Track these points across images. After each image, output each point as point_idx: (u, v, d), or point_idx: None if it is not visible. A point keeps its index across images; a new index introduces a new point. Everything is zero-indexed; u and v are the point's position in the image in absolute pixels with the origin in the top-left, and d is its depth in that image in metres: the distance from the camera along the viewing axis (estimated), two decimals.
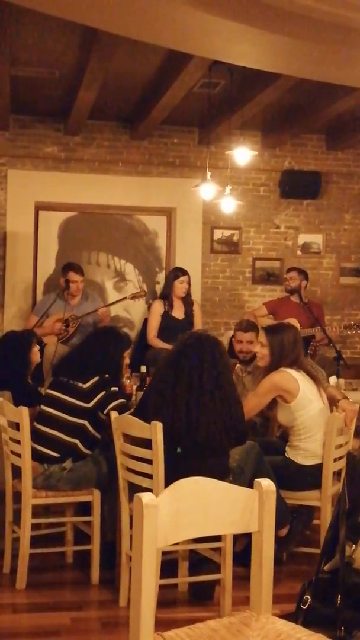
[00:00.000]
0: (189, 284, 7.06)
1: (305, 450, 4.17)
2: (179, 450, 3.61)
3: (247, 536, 2.23)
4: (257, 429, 4.74)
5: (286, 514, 4.06)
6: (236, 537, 3.73)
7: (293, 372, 4.19)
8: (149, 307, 7.47)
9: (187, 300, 7.07)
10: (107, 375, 4.09)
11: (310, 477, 4.13)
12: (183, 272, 7.06)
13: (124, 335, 4.51)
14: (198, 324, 6.99)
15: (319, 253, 8.52)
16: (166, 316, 7.00)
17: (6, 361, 4.68)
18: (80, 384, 4.05)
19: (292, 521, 4.14)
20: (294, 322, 6.63)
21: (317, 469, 4.12)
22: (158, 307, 7.06)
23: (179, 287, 6.99)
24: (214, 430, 3.62)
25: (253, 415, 4.31)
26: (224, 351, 3.88)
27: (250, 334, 5.34)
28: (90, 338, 4.44)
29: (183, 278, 7.00)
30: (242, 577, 3.47)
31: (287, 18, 4.08)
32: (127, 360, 4.50)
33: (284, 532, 4.09)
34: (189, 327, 6.70)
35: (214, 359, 3.71)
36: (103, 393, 4.04)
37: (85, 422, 4.06)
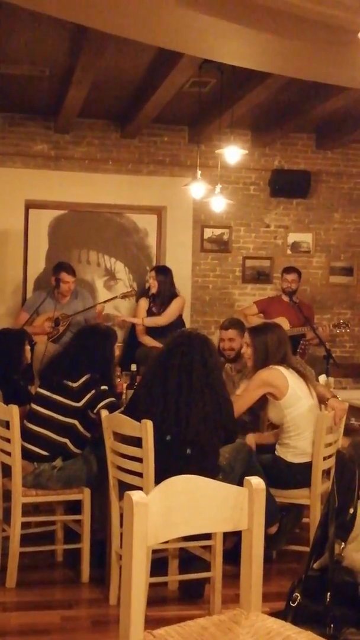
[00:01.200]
0: (158, 280, 6.96)
1: (295, 447, 4.19)
2: (168, 438, 3.61)
3: (236, 534, 2.24)
4: (247, 426, 4.76)
5: (275, 512, 4.07)
6: (225, 535, 3.73)
7: (282, 369, 4.21)
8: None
9: (171, 298, 6.99)
10: (96, 374, 4.09)
11: (300, 475, 4.15)
12: (153, 268, 7.16)
13: (108, 330, 4.50)
14: (165, 315, 6.91)
15: (309, 252, 8.54)
16: (151, 313, 7.00)
17: None
18: (70, 383, 4.05)
19: (281, 519, 4.16)
20: (283, 320, 6.66)
21: (307, 467, 4.14)
22: (143, 305, 7.09)
23: (148, 283, 7.05)
24: (204, 429, 3.63)
25: (243, 412, 4.32)
26: (214, 350, 3.89)
27: (232, 332, 5.37)
28: (77, 337, 4.43)
29: (150, 274, 7.04)
30: (232, 575, 3.48)
31: (278, 17, 4.09)
32: (117, 352, 4.51)
33: (273, 530, 4.10)
34: (176, 324, 6.70)
35: (203, 357, 3.71)
36: (93, 392, 4.04)
37: (76, 422, 4.05)
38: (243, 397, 4.28)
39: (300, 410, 4.16)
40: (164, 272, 7.00)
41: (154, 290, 6.94)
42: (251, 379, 4.32)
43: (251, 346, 4.33)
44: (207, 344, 3.81)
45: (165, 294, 6.94)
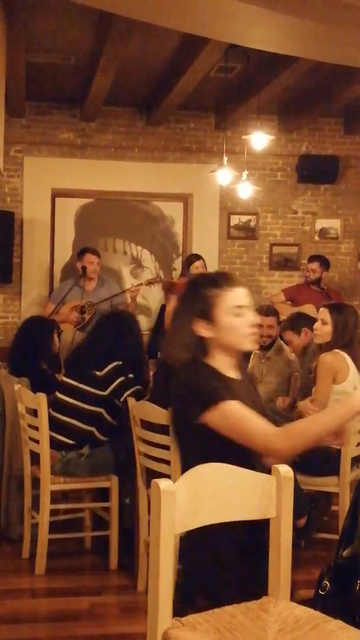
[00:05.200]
0: (205, 269, 6.99)
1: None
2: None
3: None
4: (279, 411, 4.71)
5: (304, 505, 4.03)
6: None
7: (345, 355, 4.16)
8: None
9: None
10: (122, 362, 4.07)
11: (331, 462, 4.11)
12: (197, 257, 7.05)
13: (127, 315, 4.46)
14: None
15: (337, 238, 8.46)
16: None
17: (27, 347, 4.68)
18: (95, 372, 4.05)
19: (310, 511, 4.12)
20: (310, 307, 6.61)
21: (337, 454, 4.10)
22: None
23: (194, 272, 6.96)
24: None
25: (323, 404, 4.22)
26: None
27: (271, 319, 5.30)
28: (98, 325, 4.41)
29: (197, 263, 6.97)
30: None
31: (304, 0, 4.04)
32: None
33: (302, 522, 4.06)
34: None
35: None
36: (119, 380, 4.04)
37: (102, 410, 4.06)
38: (318, 390, 4.20)
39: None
40: (204, 260, 7.00)
41: None
42: (316, 368, 4.22)
43: (331, 324, 4.22)
44: None
45: None
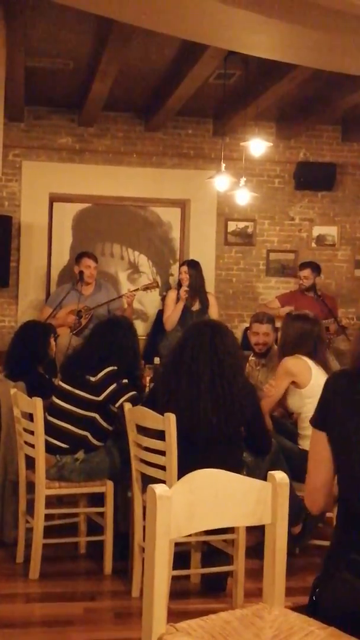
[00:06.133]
0: (189, 274, 6.93)
1: None
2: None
3: (260, 531, 2.23)
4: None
5: (300, 512, 4.03)
6: (249, 531, 3.72)
7: (307, 360, 4.22)
8: (163, 297, 7.47)
9: (201, 291, 7.00)
10: (116, 367, 4.08)
11: None
12: (183, 263, 7.07)
13: (123, 320, 4.48)
14: (214, 315, 6.95)
15: (334, 245, 8.48)
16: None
17: (23, 351, 4.68)
18: (90, 377, 4.05)
19: (305, 519, 4.12)
20: None
21: None
22: (172, 296, 7.05)
23: (180, 277, 6.99)
24: (216, 421, 3.57)
25: (275, 403, 4.30)
26: (228, 338, 3.74)
27: (267, 326, 5.32)
28: (93, 330, 4.42)
29: (182, 268, 6.97)
30: (255, 569, 3.47)
31: (303, 8, 4.05)
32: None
33: (297, 530, 4.07)
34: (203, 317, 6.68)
35: (212, 346, 3.63)
36: (113, 386, 4.04)
37: (96, 415, 4.06)
38: (273, 388, 4.27)
39: None
40: (194, 266, 6.98)
41: (186, 283, 6.92)
42: (277, 368, 4.32)
43: (282, 330, 4.34)
44: (220, 332, 3.70)
45: (196, 288, 6.95)
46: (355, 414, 2.10)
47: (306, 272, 7.16)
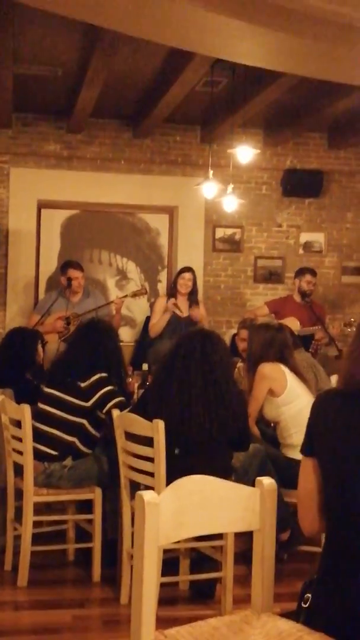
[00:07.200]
0: (192, 282, 6.99)
1: (299, 445, 4.16)
2: (176, 451, 3.59)
3: (248, 537, 2.23)
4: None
5: (288, 518, 4.04)
6: (237, 537, 3.72)
7: (281, 366, 4.27)
8: (152, 304, 7.47)
9: (193, 299, 7.02)
10: (105, 373, 4.08)
11: None
12: (186, 269, 7.06)
13: (105, 325, 4.47)
14: (204, 322, 6.96)
15: (321, 252, 8.52)
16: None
17: (10, 358, 4.68)
18: (78, 383, 4.05)
19: (293, 525, 4.13)
20: (294, 321, 6.64)
21: None
22: (161, 303, 7.05)
23: (180, 283, 6.97)
24: (209, 427, 3.57)
25: (256, 411, 4.31)
26: (219, 346, 3.78)
27: None
28: (77, 336, 4.43)
29: (184, 274, 6.98)
30: (244, 576, 3.48)
31: (290, 16, 4.07)
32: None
33: (285, 536, 4.08)
34: (192, 324, 6.69)
35: (204, 354, 3.65)
36: (102, 392, 4.04)
37: (84, 421, 4.06)
38: (253, 396, 4.28)
39: (299, 407, 4.15)
40: (194, 273, 7.02)
41: (187, 290, 6.93)
42: (255, 375, 4.32)
43: (247, 342, 4.38)
44: (212, 340, 3.73)
45: (194, 294, 6.99)
46: (351, 436, 1.99)
47: (309, 277, 7.12)
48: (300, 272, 7.25)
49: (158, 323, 6.86)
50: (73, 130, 7.87)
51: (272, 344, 4.33)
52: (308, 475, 2.11)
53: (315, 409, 2.11)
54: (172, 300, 6.82)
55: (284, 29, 4.24)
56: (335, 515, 2.03)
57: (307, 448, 2.11)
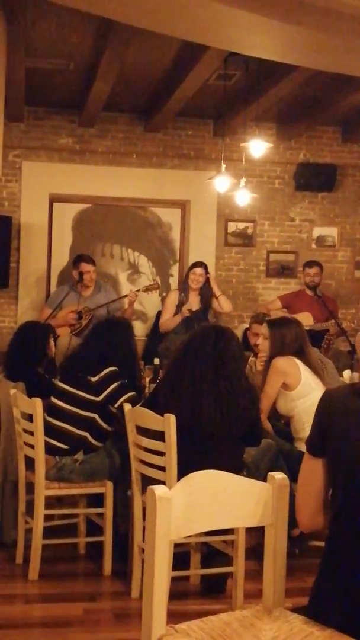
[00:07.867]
0: (204, 276, 6.98)
1: None
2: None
3: (260, 532, 2.22)
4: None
5: None
6: (248, 532, 3.71)
7: (296, 360, 4.24)
8: (163, 298, 7.47)
9: (204, 293, 6.99)
10: (116, 368, 4.08)
11: None
12: (198, 264, 7.04)
13: (121, 321, 4.51)
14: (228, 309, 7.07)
15: (334, 246, 8.48)
16: (180, 307, 6.96)
17: (23, 351, 4.68)
18: (89, 377, 4.05)
19: None
20: (307, 316, 6.62)
21: None
22: (173, 298, 7.04)
23: (192, 278, 6.96)
24: (220, 422, 3.57)
25: (269, 406, 4.29)
26: (232, 341, 3.76)
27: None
28: (92, 331, 4.44)
29: (196, 270, 6.97)
30: (255, 571, 3.47)
31: (304, 9, 4.05)
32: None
33: (297, 531, 4.06)
34: (203, 318, 6.67)
35: (216, 349, 3.64)
36: (113, 386, 4.04)
37: (95, 416, 4.06)
38: (265, 391, 4.27)
39: (313, 400, 4.11)
40: (206, 268, 7.01)
41: (198, 285, 6.92)
42: (269, 369, 4.31)
43: (269, 338, 4.34)
44: (224, 335, 3.72)
45: (206, 289, 6.98)
46: None
47: (315, 270, 7.18)
48: (305, 265, 7.35)
49: (169, 322, 6.85)
50: (85, 124, 7.86)
51: (296, 339, 4.32)
52: (316, 475, 2.07)
53: (328, 408, 2.05)
54: (188, 307, 6.79)
55: (298, 22, 4.22)
56: (344, 512, 2.01)
57: (317, 448, 2.06)
